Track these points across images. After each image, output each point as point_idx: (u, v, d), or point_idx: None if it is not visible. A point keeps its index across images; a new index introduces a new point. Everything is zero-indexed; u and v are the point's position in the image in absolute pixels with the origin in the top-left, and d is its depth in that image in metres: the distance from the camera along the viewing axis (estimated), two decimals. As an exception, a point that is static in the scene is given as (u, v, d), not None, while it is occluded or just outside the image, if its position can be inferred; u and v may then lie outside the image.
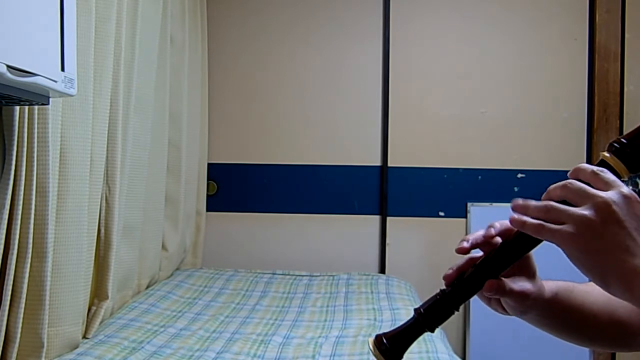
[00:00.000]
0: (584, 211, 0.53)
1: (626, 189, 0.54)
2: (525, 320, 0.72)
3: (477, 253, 0.66)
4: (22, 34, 0.96)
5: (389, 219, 2.69)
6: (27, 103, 1.12)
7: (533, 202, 0.58)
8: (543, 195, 0.59)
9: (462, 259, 0.66)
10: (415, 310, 0.64)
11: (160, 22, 2.00)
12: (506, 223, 0.64)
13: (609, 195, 0.53)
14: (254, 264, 2.60)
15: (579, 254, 0.54)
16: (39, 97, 1.09)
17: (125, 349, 1.47)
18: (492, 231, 0.64)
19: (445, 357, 1.45)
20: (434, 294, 0.65)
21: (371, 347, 0.63)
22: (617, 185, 0.54)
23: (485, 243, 0.64)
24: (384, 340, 0.63)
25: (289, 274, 2.40)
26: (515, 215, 0.58)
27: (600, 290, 0.70)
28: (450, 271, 0.65)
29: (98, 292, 1.67)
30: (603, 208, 0.53)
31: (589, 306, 0.71)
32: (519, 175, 2.65)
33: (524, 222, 0.57)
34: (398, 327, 0.64)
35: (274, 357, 1.51)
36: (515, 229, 0.60)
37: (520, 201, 0.59)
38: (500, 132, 2.67)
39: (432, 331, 0.63)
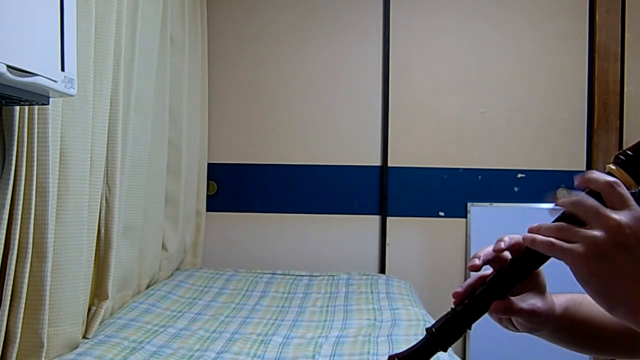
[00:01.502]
0: (595, 232, 0.53)
1: (639, 210, 0.53)
2: (540, 337, 0.71)
3: (487, 269, 0.65)
4: (22, 34, 0.96)
5: (389, 219, 2.68)
6: (27, 103, 1.12)
7: (545, 224, 0.57)
8: (555, 203, 0.58)
9: (471, 277, 0.65)
10: (427, 330, 0.64)
11: (160, 22, 2.00)
12: (515, 237, 0.63)
13: (622, 216, 0.52)
14: (254, 264, 2.60)
15: (587, 277, 0.53)
16: (39, 97, 1.09)
17: (125, 349, 1.47)
18: (502, 245, 0.63)
19: (445, 357, 1.45)
20: (445, 312, 0.64)
21: None
22: (630, 205, 0.53)
23: (495, 259, 0.63)
24: None
25: (289, 274, 2.40)
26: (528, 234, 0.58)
27: None
28: (460, 289, 0.64)
29: (98, 292, 1.67)
30: (615, 231, 0.52)
31: (599, 318, 0.70)
32: (519, 175, 2.65)
33: (534, 239, 0.57)
34: (411, 348, 0.64)
35: (274, 357, 1.51)
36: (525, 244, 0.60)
37: (534, 225, 0.58)
38: (500, 132, 2.67)
39: (445, 350, 0.63)
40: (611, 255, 0.52)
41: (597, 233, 0.53)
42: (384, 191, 2.68)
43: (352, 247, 2.70)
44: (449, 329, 0.62)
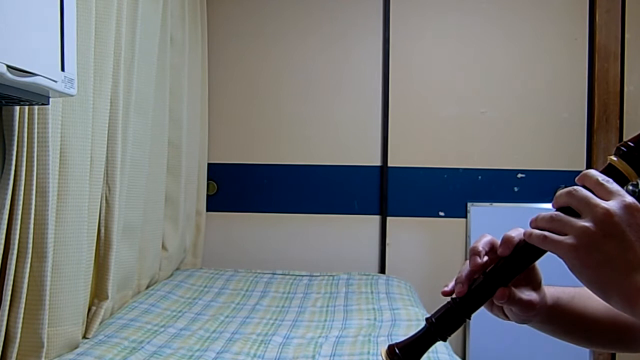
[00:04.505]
0: (585, 222, 0.53)
1: (629, 199, 0.54)
2: (529, 326, 0.72)
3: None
4: (22, 34, 0.96)
5: (389, 219, 2.69)
6: (27, 103, 1.12)
7: (542, 214, 0.58)
8: (553, 202, 0.59)
9: (466, 266, 0.65)
10: (427, 319, 0.64)
11: (160, 22, 2.00)
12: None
13: (611, 205, 0.53)
14: (254, 264, 2.60)
15: (580, 267, 0.54)
16: (39, 97, 1.09)
17: (125, 349, 1.47)
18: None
19: (445, 357, 1.45)
20: (444, 302, 0.64)
21: (383, 357, 0.62)
22: (620, 194, 0.54)
23: (492, 250, 0.64)
24: (397, 351, 0.62)
25: (289, 274, 2.40)
26: (528, 228, 0.59)
27: None
28: (460, 285, 0.63)
29: (98, 292, 1.67)
30: (604, 220, 0.52)
31: (591, 311, 0.71)
32: (519, 175, 2.65)
33: (530, 234, 0.58)
34: (410, 337, 0.64)
35: (274, 357, 1.51)
36: (517, 241, 0.61)
37: (534, 217, 0.59)
38: (500, 132, 2.67)
39: (445, 340, 0.63)
40: (601, 244, 0.52)
41: (586, 223, 0.53)
42: (384, 191, 2.68)
43: (352, 247, 2.70)
44: (449, 318, 0.63)
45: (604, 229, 0.52)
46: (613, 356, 2.62)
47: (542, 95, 2.67)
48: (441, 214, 2.68)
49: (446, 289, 0.64)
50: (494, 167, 2.67)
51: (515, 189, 2.65)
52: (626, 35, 2.60)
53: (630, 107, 2.60)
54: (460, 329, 2.61)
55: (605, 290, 0.53)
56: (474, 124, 2.68)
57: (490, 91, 2.68)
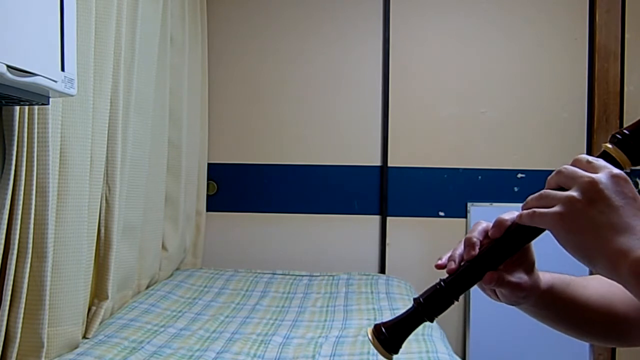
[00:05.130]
0: (571, 192, 0.54)
1: (616, 170, 0.54)
2: (520, 310, 0.72)
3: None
4: (22, 34, 0.96)
5: (389, 219, 2.69)
6: (27, 103, 1.12)
7: (532, 195, 0.60)
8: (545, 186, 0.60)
9: (459, 247, 0.65)
10: (415, 299, 0.64)
11: (160, 22, 2.00)
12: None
13: (597, 175, 0.54)
14: (254, 264, 2.60)
15: (565, 234, 0.54)
16: (39, 97, 1.09)
17: (125, 349, 1.47)
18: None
19: (445, 357, 1.45)
20: (433, 283, 0.65)
21: (370, 336, 0.63)
22: (607, 167, 0.55)
23: (487, 237, 0.64)
24: (383, 330, 0.63)
25: (289, 274, 2.40)
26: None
27: (597, 285, 0.70)
28: (452, 263, 0.64)
29: (98, 292, 1.67)
30: (589, 187, 0.53)
31: (585, 300, 0.71)
32: (519, 175, 2.65)
33: (520, 215, 0.59)
34: (397, 317, 0.64)
35: (274, 357, 1.51)
36: (509, 224, 0.62)
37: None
38: (500, 132, 2.67)
39: (432, 321, 0.63)
40: (585, 210, 0.53)
41: (572, 193, 0.54)
42: (384, 191, 2.68)
43: (352, 247, 2.70)
44: (437, 299, 0.63)
45: (589, 196, 0.53)
46: (613, 353, 2.62)
47: (542, 95, 2.67)
48: (441, 214, 2.68)
49: (440, 262, 0.65)
50: (494, 167, 2.67)
51: (515, 189, 2.65)
52: (626, 35, 2.60)
53: (630, 107, 2.60)
54: (460, 328, 2.62)
55: (591, 255, 0.54)
56: (474, 124, 2.68)
57: (490, 91, 2.68)
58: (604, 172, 0.54)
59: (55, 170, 1.34)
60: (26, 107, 1.23)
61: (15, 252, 1.24)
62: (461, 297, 0.65)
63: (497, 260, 0.63)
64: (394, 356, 0.63)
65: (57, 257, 1.37)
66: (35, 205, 1.27)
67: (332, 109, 2.71)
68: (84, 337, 1.55)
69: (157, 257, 2.16)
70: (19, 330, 1.25)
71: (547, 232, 0.58)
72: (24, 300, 1.26)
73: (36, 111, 1.25)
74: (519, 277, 0.66)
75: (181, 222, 2.35)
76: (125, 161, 1.74)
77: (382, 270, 2.67)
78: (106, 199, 1.66)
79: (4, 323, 1.23)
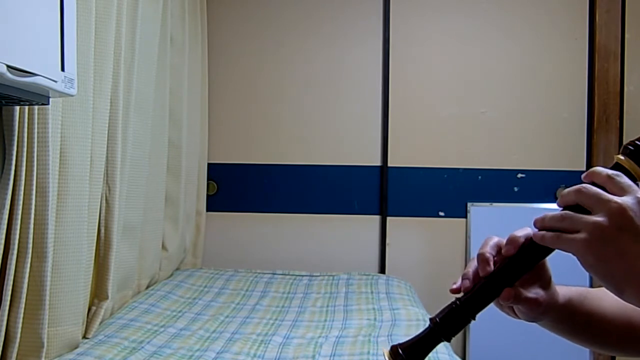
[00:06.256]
0: (598, 218, 0.52)
1: None
2: (540, 326, 0.71)
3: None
4: (22, 34, 0.96)
5: (389, 219, 2.68)
6: (27, 103, 1.12)
7: (549, 214, 0.57)
8: (558, 200, 0.58)
9: (471, 265, 0.64)
10: (431, 319, 0.63)
11: (160, 22, 2.00)
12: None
13: (624, 200, 0.52)
14: (254, 264, 2.60)
15: (593, 262, 0.53)
16: (39, 97, 1.09)
17: (125, 349, 1.47)
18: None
19: (445, 357, 1.45)
20: (449, 302, 0.63)
21: (386, 358, 0.61)
22: (633, 190, 0.53)
23: (499, 253, 0.63)
24: (400, 351, 0.61)
25: (289, 274, 2.40)
26: (536, 231, 0.58)
27: (613, 297, 0.69)
28: (467, 282, 0.63)
29: (98, 292, 1.67)
30: (617, 214, 0.52)
31: (602, 312, 0.70)
32: (519, 175, 2.65)
33: (542, 236, 0.57)
34: (414, 337, 0.63)
35: (274, 357, 1.51)
36: (523, 241, 0.61)
37: (539, 217, 0.59)
38: (500, 132, 2.67)
39: (449, 340, 0.62)
40: (614, 237, 0.52)
41: (599, 218, 0.52)
42: (384, 191, 2.68)
43: (352, 247, 2.70)
44: (453, 319, 0.62)
45: (618, 223, 0.52)
46: (613, 358, 2.62)
47: (542, 95, 2.67)
48: (441, 214, 2.68)
49: (454, 286, 0.63)
50: (494, 167, 2.67)
51: (515, 189, 2.65)
52: (626, 35, 2.60)
53: (630, 107, 2.60)
54: (460, 329, 2.62)
55: (619, 283, 0.53)
56: (474, 124, 2.68)
57: (490, 91, 2.68)
58: (631, 196, 0.53)
59: (55, 170, 1.34)
60: (26, 107, 1.23)
61: (15, 252, 1.24)
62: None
63: (514, 277, 0.62)
64: None
65: (57, 257, 1.37)
66: (35, 205, 1.27)
67: (332, 109, 2.71)
68: (84, 337, 1.55)
69: (157, 257, 2.16)
70: (19, 330, 1.25)
71: None
72: (24, 300, 1.26)
73: (36, 111, 1.25)
74: (536, 292, 0.65)
75: (181, 222, 2.35)
76: (125, 161, 1.74)
77: (382, 270, 2.67)
78: (106, 199, 1.66)
79: (4, 323, 1.23)
